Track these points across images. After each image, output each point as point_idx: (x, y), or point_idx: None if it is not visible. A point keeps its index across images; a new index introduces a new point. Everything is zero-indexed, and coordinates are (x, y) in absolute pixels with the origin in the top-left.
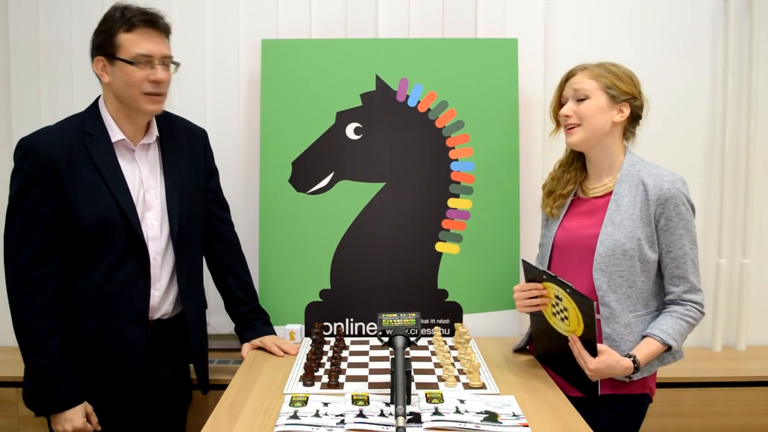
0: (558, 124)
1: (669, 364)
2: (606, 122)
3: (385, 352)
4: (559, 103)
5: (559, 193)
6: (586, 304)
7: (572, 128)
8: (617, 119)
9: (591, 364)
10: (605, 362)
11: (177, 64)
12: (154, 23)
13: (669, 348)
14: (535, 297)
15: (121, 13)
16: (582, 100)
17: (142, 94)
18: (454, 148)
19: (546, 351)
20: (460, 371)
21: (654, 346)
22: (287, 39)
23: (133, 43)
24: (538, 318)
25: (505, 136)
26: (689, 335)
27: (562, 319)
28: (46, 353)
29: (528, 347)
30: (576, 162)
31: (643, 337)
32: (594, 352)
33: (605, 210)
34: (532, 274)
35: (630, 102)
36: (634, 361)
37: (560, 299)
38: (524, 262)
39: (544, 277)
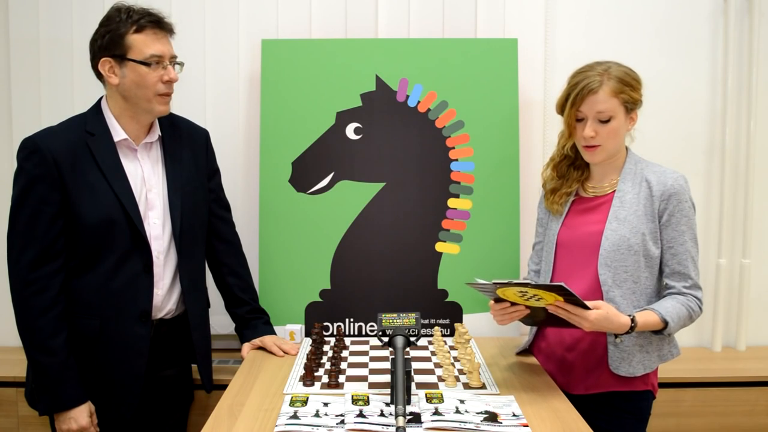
0: (570, 133)
1: (668, 360)
2: (624, 135)
3: (385, 352)
4: (575, 116)
5: (564, 191)
6: (555, 290)
7: (594, 147)
8: (630, 128)
9: (591, 316)
10: (603, 314)
11: (182, 64)
12: (162, 24)
13: (665, 326)
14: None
15: (127, 14)
16: (605, 121)
17: (156, 95)
18: (454, 148)
19: (535, 322)
20: (460, 371)
21: (652, 318)
22: (287, 39)
23: (144, 44)
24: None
25: (505, 136)
26: (689, 336)
27: (537, 300)
28: (51, 352)
29: (529, 348)
30: (578, 160)
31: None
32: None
33: (609, 207)
34: (483, 289)
35: (637, 107)
36: (632, 320)
37: (526, 291)
38: (471, 285)
39: (496, 286)
